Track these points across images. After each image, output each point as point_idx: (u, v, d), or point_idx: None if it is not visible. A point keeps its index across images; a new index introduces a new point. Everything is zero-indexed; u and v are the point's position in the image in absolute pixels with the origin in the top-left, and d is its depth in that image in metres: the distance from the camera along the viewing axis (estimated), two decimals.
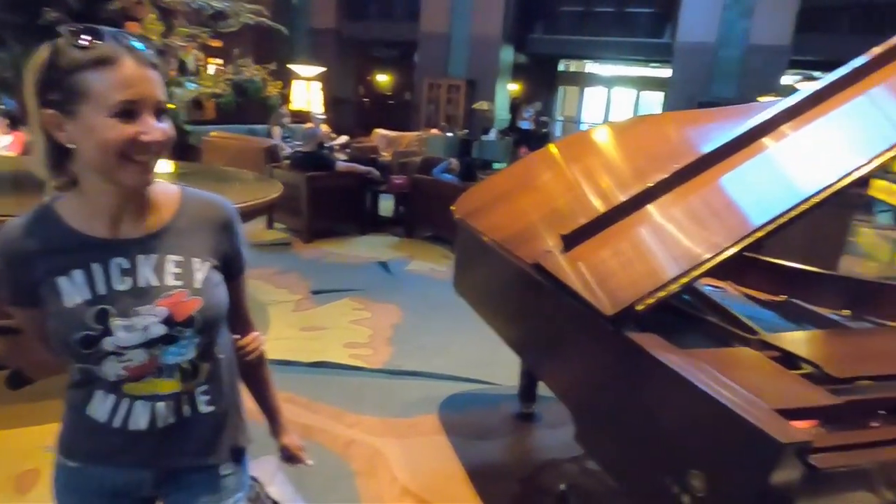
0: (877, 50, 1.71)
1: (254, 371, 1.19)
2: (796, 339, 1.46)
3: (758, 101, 2.08)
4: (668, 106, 13.72)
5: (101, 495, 1.04)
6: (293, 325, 3.75)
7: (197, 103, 3.26)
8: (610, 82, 18.46)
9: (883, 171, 10.90)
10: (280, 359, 3.23)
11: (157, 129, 0.87)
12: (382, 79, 17.81)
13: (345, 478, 2.33)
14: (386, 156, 8.78)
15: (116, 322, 0.91)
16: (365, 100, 17.17)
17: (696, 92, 12.67)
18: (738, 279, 2.25)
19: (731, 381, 1.15)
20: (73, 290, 0.90)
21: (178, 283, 0.95)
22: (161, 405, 0.98)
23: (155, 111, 0.87)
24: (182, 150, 4.60)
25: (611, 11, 15.15)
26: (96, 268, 0.92)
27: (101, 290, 0.91)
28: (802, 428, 1.11)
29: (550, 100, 18.47)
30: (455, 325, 3.88)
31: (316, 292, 4.35)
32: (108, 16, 2.61)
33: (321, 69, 11.22)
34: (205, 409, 1.03)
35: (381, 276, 4.94)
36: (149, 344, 0.93)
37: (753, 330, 1.53)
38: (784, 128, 1.70)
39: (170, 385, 0.98)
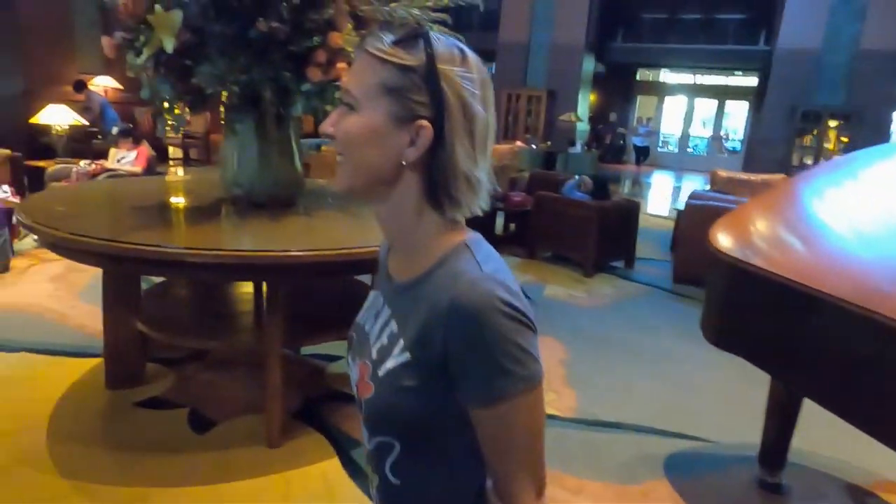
0: None
1: None
2: None
3: None
4: (763, 115, 12.97)
5: None
6: None
7: None
8: (691, 91, 17.74)
9: None
10: None
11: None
12: None
13: None
14: None
15: (348, 358, 0.86)
16: None
17: (797, 101, 11.92)
18: None
19: None
20: (364, 307, 0.87)
21: (375, 357, 0.77)
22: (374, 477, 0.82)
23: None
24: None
25: (697, 18, 14.53)
26: (375, 295, 0.85)
27: (360, 317, 0.86)
28: None
29: (627, 110, 17.90)
30: (625, 362, 3.54)
31: None
32: (313, 26, 2.37)
33: None
34: None
35: None
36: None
37: None
38: None
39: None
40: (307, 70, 2.39)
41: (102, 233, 2.06)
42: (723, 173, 7.48)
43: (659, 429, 2.82)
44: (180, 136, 9.20)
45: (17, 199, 4.81)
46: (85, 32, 8.31)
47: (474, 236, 0.75)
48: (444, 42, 0.70)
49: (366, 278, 2.81)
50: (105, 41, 2.42)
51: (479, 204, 0.73)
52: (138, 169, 5.46)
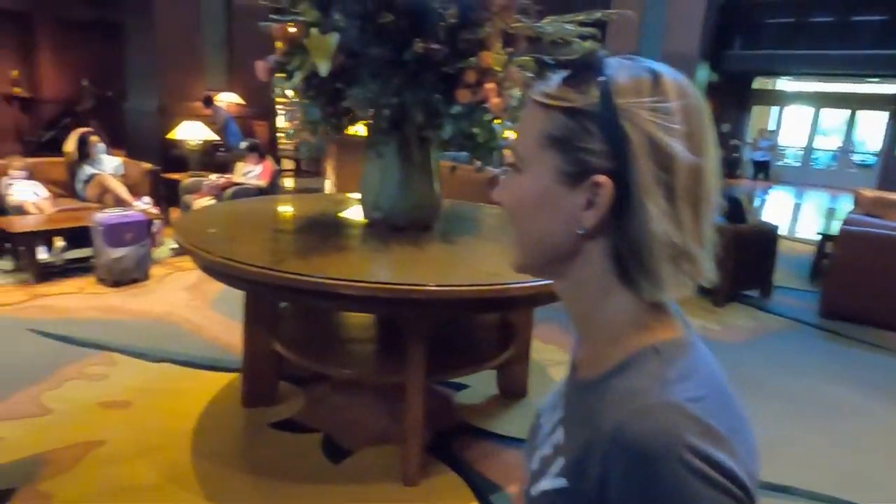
0: None
1: None
2: None
3: None
4: None
5: None
6: None
7: None
8: (815, 100, 16.31)
9: None
10: None
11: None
12: None
13: None
14: None
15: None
16: None
17: None
18: None
19: None
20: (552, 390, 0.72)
21: (536, 467, 0.62)
22: None
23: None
24: None
25: (828, 21, 13.32)
26: (562, 382, 0.68)
27: (542, 403, 0.71)
28: None
29: (741, 121, 16.75)
30: (778, 411, 3.17)
31: None
32: (465, 46, 2.27)
33: None
34: None
35: None
36: None
37: None
38: None
39: None
40: (456, 91, 2.29)
41: (253, 258, 2.04)
42: (868, 193, 6.74)
43: (841, 499, 2.44)
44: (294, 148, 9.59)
45: (156, 211, 5.12)
46: (211, 52, 8.87)
47: (677, 338, 0.55)
48: (627, 68, 0.52)
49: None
50: (259, 65, 2.43)
51: (693, 280, 0.54)
52: (263, 182, 5.68)
